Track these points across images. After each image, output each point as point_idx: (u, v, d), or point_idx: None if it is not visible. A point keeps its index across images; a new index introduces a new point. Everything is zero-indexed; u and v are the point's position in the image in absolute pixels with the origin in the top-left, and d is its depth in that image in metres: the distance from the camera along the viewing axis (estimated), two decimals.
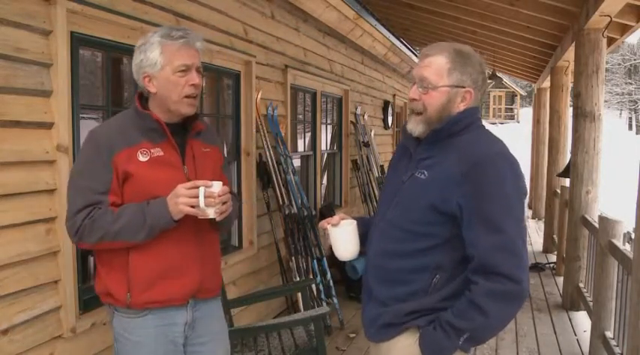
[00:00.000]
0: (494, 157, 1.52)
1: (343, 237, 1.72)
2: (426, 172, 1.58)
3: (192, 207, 1.67)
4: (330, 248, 1.76)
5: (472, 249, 1.50)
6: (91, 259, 2.71)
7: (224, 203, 1.73)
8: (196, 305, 1.86)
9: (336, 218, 1.74)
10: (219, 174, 1.91)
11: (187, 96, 1.75)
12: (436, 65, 1.59)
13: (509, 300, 1.48)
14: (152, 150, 1.74)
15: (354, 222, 1.74)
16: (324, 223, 1.74)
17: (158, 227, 1.68)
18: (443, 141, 1.60)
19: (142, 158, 1.72)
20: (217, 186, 1.71)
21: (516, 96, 38.70)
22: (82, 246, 1.73)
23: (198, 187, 1.66)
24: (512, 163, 1.54)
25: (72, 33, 2.32)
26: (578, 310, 4.82)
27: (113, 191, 1.70)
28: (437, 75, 1.59)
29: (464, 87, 1.59)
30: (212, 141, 1.94)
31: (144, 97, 1.82)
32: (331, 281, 4.44)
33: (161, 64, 1.72)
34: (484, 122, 1.69)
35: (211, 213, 1.70)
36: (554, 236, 6.88)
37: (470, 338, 1.50)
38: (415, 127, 1.63)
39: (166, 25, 1.83)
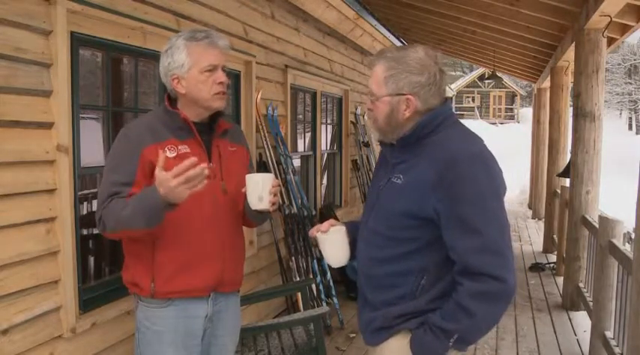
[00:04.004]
0: (464, 158, 1.48)
1: (332, 245, 1.72)
2: (402, 176, 1.56)
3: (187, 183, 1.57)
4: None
5: (452, 253, 1.49)
6: (92, 259, 2.73)
7: (275, 195, 1.81)
8: (217, 298, 1.92)
9: (325, 224, 1.71)
10: (246, 173, 1.97)
11: (217, 93, 1.82)
12: (375, 76, 1.60)
13: (495, 300, 1.47)
14: (179, 147, 1.80)
15: (343, 229, 1.72)
16: (313, 231, 1.72)
17: (153, 210, 1.61)
18: (414, 144, 1.57)
19: (170, 154, 1.77)
20: (269, 179, 1.77)
21: (516, 96, 38.63)
22: (107, 236, 1.78)
23: (182, 173, 1.55)
24: (485, 162, 1.51)
25: (72, 33, 2.32)
26: (578, 310, 4.81)
27: (137, 183, 1.74)
28: (377, 85, 1.60)
29: (403, 94, 1.56)
30: (238, 141, 2.01)
31: (172, 98, 1.87)
32: (331, 281, 4.45)
33: (188, 65, 1.78)
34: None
35: (266, 204, 1.77)
36: (554, 236, 6.88)
37: (459, 339, 1.50)
38: (375, 134, 1.65)
39: (190, 28, 1.87)
